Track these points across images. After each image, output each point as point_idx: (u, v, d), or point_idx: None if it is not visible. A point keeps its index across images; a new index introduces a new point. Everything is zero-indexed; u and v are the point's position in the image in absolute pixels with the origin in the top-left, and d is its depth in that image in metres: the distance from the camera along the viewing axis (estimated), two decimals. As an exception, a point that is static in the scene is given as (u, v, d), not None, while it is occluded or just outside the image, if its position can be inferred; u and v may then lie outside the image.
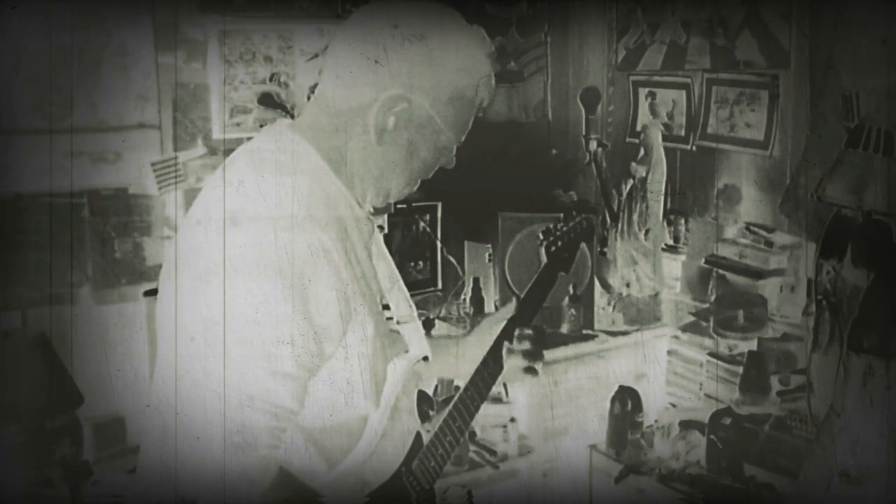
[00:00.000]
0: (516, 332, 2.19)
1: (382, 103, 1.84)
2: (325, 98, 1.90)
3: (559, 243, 2.28)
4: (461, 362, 2.19)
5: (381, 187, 1.92)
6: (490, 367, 2.15)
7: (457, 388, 3.69)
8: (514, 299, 2.24)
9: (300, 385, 1.76)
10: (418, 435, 2.01)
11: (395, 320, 1.96)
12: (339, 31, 1.91)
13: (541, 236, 2.27)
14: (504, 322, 2.19)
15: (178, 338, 1.80)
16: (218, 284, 1.72)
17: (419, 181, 1.96)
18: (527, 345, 2.20)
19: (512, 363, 2.19)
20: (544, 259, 2.26)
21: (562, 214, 2.35)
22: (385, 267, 1.98)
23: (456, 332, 4.04)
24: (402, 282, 2.03)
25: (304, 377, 1.76)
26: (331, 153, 1.87)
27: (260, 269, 1.72)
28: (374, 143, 1.87)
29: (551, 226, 2.30)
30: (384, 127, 1.86)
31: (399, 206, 3.97)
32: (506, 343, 2.17)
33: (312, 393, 1.80)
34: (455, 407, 2.08)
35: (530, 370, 2.23)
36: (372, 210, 1.95)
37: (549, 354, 3.81)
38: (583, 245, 2.44)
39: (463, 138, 1.94)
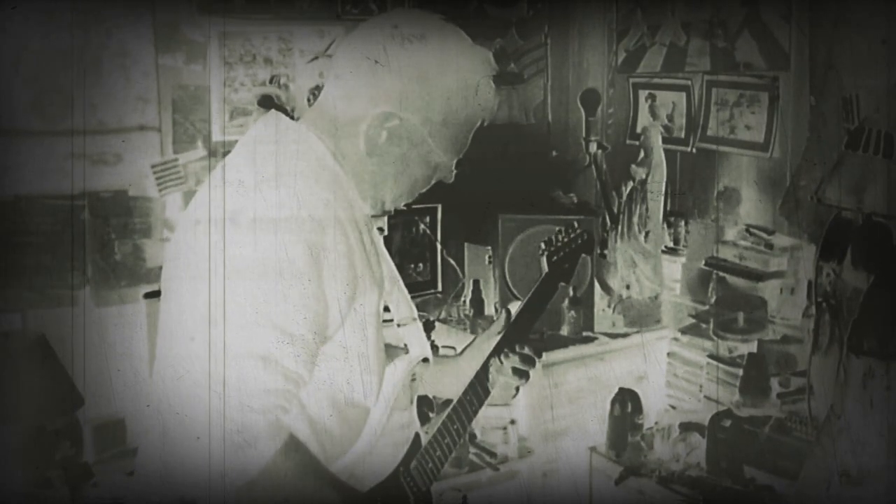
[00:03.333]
0: (507, 350, 2.17)
1: (374, 118, 1.87)
2: (327, 105, 1.93)
3: (561, 254, 2.29)
4: (454, 381, 2.18)
5: (375, 196, 1.94)
6: (483, 378, 2.15)
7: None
8: (504, 314, 2.23)
9: (310, 351, 1.77)
10: (417, 436, 2.02)
11: (395, 322, 1.97)
12: (345, 41, 1.93)
13: (542, 246, 2.28)
14: (497, 337, 2.18)
15: (178, 338, 1.80)
16: (218, 284, 1.72)
17: (416, 193, 1.97)
18: (517, 361, 2.17)
19: (502, 380, 2.17)
20: (546, 269, 2.27)
21: (563, 227, 2.36)
22: (386, 268, 1.98)
23: (456, 333, 4.04)
24: (402, 283, 2.04)
25: (315, 343, 1.77)
26: (336, 148, 1.89)
27: (259, 268, 1.72)
28: (363, 155, 1.89)
29: (553, 237, 2.30)
30: (376, 140, 1.88)
31: (399, 207, 3.96)
32: (493, 361, 2.15)
33: (313, 393, 1.80)
34: (454, 410, 2.08)
35: (517, 387, 2.22)
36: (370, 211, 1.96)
37: (549, 356, 3.82)
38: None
39: (460, 157, 1.96)
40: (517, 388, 2.21)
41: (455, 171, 1.98)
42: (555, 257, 2.28)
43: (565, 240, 2.31)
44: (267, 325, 1.72)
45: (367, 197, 1.93)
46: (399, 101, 1.87)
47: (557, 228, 2.34)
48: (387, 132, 1.88)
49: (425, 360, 2.03)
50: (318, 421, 1.82)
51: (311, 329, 1.76)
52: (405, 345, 1.99)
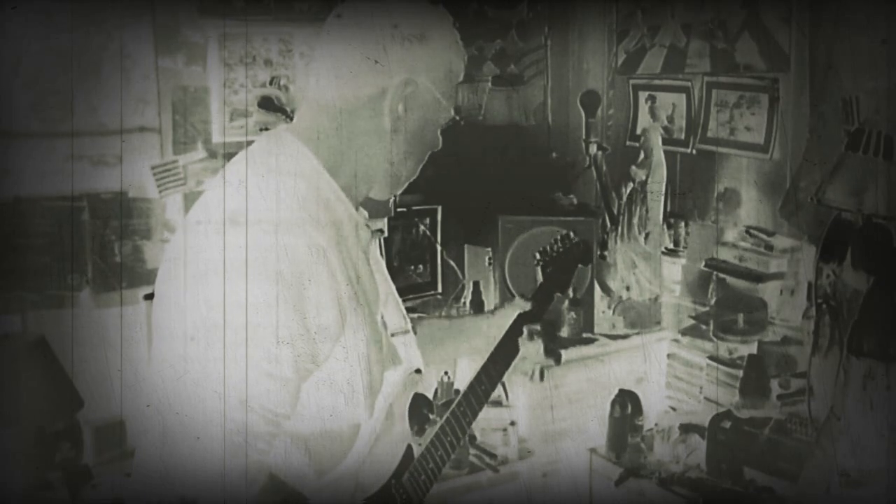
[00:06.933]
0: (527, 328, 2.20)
1: (395, 90, 1.85)
2: (324, 98, 1.90)
3: (556, 264, 2.28)
4: (485, 342, 2.19)
5: (392, 176, 1.92)
6: (484, 382, 2.14)
7: (457, 391, 3.70)
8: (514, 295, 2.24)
9: (293, 388, 1.76)
10: (409, 448, 2.00)
11: (389, 332, 1.96)
12: (333, 30, 1.91)
13: (537, 256, 2.27)
14: (510, 319, 2.20)
15: (177, 338, 1.80)
16: (218, 285, 1.72)
17: (418, 169, 1.96)
18: (544, 338, 2.21)
19: (534, 351, 2.20)
20: (540, 279, 2.26)
21: (559, 236, 2.34)
22: (380, 278, 1.97)
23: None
24: (396, 293, 2.02)
25: (297, 380, 1.76)
26: (329, 155, 1.87)
27: (258, 271, 1.72)
28: (388, 132, 1.87)
29: (548, 246, 2.29)
30: (397, 113, 1.87)
31: (399, 209, 3.97)
32: (520, 337, 2.18)
33: (313, 394, 1.80)
34: (447, 422, 2.07)
35: (551, 355, 2.24)
36: (367, 217, 1.95)
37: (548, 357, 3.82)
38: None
39: (452, 112, 1.96)
40: (542, 371, 2.23)
41: (440, 138, 1.97)
42: (550, 268, 2.26)
43: (560, 250, 2.29)
44: (252, 368, 1.71)
45: (377, 181, 1.91)
46: (411, 66, 1.85)
47: (553, 238, 2.32)
48: (402, 103, 1.86)
49: (418, 370, 2.02)
50: (316, 427, 1.81)
51: (296, 369, 1.75)
52: (399, 356, 1.98)
